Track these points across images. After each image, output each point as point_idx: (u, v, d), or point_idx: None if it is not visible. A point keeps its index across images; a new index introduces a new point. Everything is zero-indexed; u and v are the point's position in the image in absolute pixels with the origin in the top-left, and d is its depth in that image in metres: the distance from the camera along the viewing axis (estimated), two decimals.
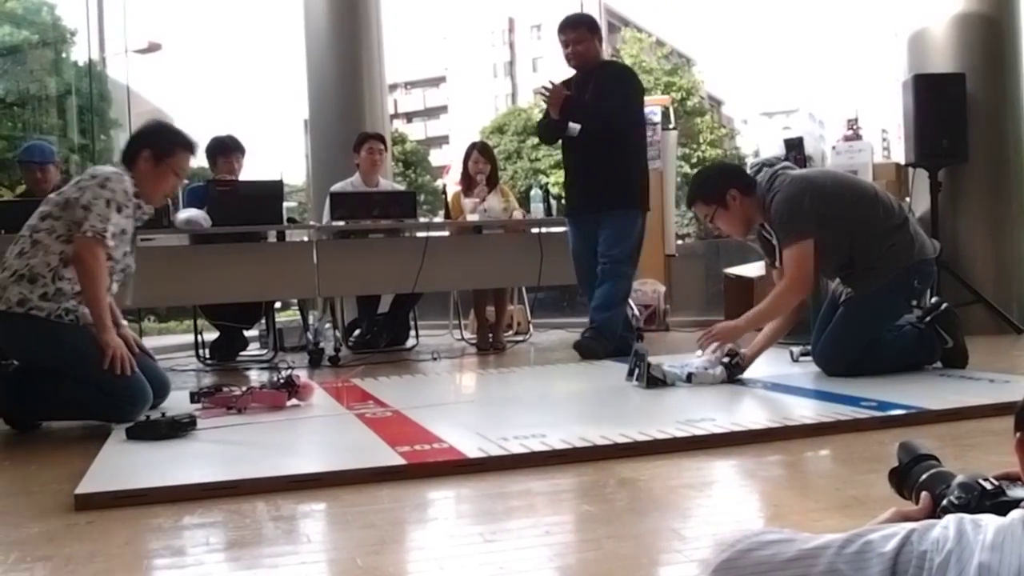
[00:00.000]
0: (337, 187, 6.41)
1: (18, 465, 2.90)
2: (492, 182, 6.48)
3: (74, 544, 1.92)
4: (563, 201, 5.82)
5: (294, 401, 3.59)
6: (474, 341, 6.52)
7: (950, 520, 0.99)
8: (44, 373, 3.46)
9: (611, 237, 5.24)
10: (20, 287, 3.39)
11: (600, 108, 5.20)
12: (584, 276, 5.45)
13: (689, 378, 3.72)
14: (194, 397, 3.58)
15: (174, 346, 5.99)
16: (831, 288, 4.26)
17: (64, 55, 17.73)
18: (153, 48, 17.16)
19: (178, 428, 3.03)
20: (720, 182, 3.97)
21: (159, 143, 3.70)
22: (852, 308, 3.99)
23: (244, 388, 3.60)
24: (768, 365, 4.24)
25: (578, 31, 5.32)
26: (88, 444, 2.99)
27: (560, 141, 5.54)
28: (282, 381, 3.62)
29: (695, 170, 33.62)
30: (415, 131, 50.83)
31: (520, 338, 6.99)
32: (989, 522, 0.97)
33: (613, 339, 5.22)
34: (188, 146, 3.79)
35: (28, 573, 1.74)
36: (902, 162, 6.37)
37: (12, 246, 3.53)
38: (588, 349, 5.16)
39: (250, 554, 1.84)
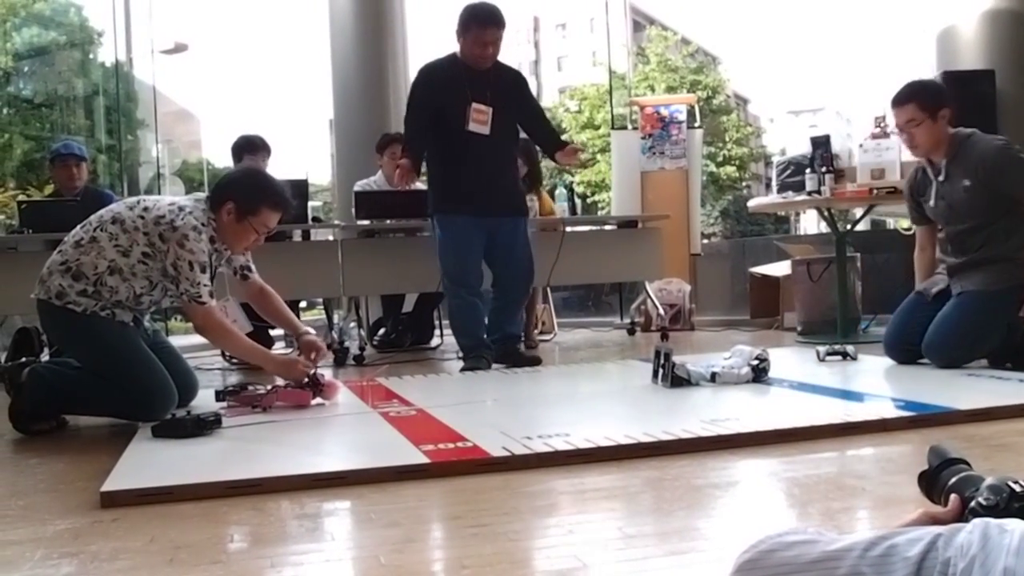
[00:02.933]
0: (360, 185, 6.42)
1: (46, 463, 2.92)
2: (532, 183, 6.37)
3: (99, 541, 1.93)
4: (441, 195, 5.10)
5: (319, 400, 3.60)
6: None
7: (976, 525, 0.98)
8: (75, 368, 3.49)
9: (524, 245, 5.11)
10: (63, 279, 3.42)
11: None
12: (475, 274, 5.05)
13: (713, 377, 3.70)
14: (219, 395, 3.60)
15: (200, 344, 6.00)
16: (923, 285, 4.33)
17: (91, 56, 17.88)
18: (179, 48, 17.31)
19: (204, 426, 3.04)
20: (942, 97, 4.11)
21: (244, 199, 3.56)
22: (978, 304, 4.02)
23: (269, 387, 3.61)
24: (794, 365, 4.23)
25: (501, 31, 4.98)
26: (115, 442, 3.01)
27: (444, 133, 4.98)
28: (307, 380, 3.62)
29: (720, 168, 33.74)
30: None
31: (545, 337, 6.99)
32: (1016, 527, 0.96)
33: None
34: (275, 204, 3.62)
35: (54, 570, 1.75)
36: None
37: (78, 228, 3.54)
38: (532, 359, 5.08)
39: (274, 552, 1.85)
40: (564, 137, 5.57)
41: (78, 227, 3.56)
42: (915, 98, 4.09)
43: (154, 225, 3.43)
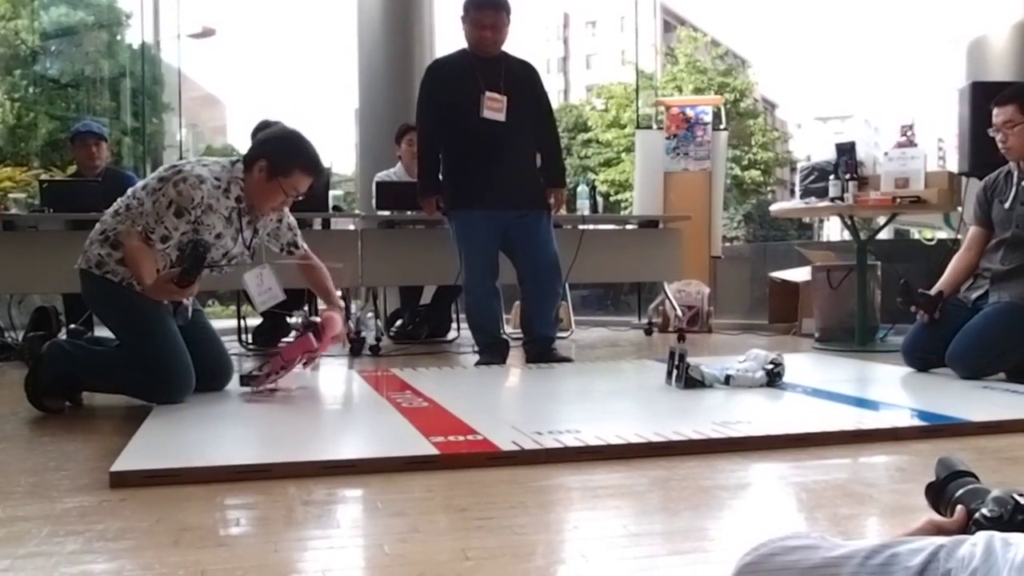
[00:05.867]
0: (380, 176, 6.42)
1: (57, 441, 2.94)
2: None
3: (106, 520, 1.94)
4: (457, 191, 5.01)
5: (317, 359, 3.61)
6: (517, 335, 6.49)
7: (980, 537, 0.97)
8: (97, 344, 3.51)
9: (546, 240, 5.00)
10: (102, 248, 3.47)
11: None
12: (492, 273, 4.98)
13: (727, 380, 3.69)
14: (244, 380, 3.62)
15: (218, 330, 6.04)
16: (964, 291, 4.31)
17: (119, 38, 17.93)
18: (207, 33, 17.37)
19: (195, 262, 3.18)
20: None
21: (278, 158, 3.54)
22: (1007, 316, 4.02)
23: (271, 354, 3.60)
24: (810, 371, 4.21)
25: (501, 15, 4.88)
26: (127, 423, 3.02)
27: (457, 125, 4.92)
28: (304, 324, 3.63)
29: (745, 172, 33.63)
30: None
31: (562, 335, 6.98)
32: (1021, 542, 0.95)
33: None
34: (308, 168, 3.60)
35: (59, 547, 1.75)
36: (956, 171, 6.28)
37: (120, 199, 3.58)
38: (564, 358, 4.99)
39: (279, 537, 1.85)
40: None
41: (120, 198, 3.59)
42: (1016, 100, 4.12)
43: (172, 169, 3.46)
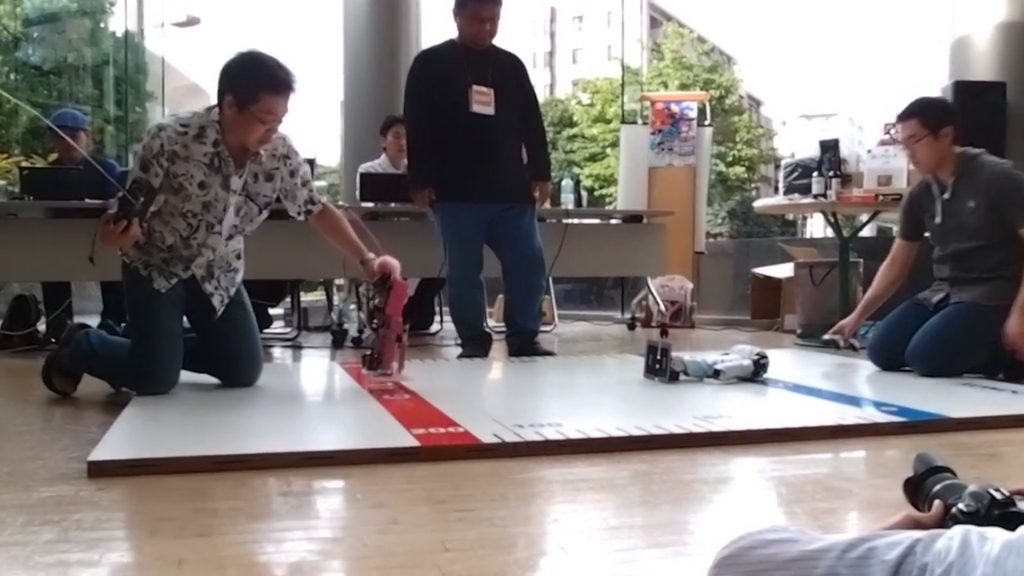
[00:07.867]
0: (364, 168, 6.40)
1: (35, 430, 2.92)
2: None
3: (83, 510, 1.92)
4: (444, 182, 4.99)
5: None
6: (500, 328, 6.48)
7: (956, 531, 0.97)
8: (115, 335, 3.56)
9: (530, 233, 5.00)
10: None
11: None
12: (477, 266, 5.01)
13: (717, 374, 3.67)
14: (370, 364, 3.60)
15: None
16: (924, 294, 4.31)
17: (102, 25, 17.72)
18: (192, 22, 17.26)
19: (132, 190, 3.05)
20: (945, 115, 4.14)
21: (240, 87, 3.27)
22: (966, 316, 4.02)
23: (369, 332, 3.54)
24: (792, 366, 4.22)
25: (499, 8, 4.85)
26: (106, 412, 3.01)
27: (448, 116, 4.90)
28: (380, 280, 3.69)
29: (730, 168, 33.71)
30: None
31: (545, 329, 6.98)
32: (996, 536, 0.95)
33: None
34: (274, 87, 3.28)
35: (35, 536, 1.74)
36: None
37: None
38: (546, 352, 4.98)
39: (257, 528, 1.84)
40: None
41: None
42: (918, 115, 4.10)
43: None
